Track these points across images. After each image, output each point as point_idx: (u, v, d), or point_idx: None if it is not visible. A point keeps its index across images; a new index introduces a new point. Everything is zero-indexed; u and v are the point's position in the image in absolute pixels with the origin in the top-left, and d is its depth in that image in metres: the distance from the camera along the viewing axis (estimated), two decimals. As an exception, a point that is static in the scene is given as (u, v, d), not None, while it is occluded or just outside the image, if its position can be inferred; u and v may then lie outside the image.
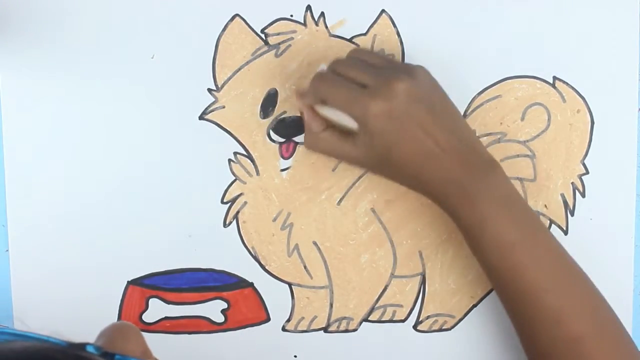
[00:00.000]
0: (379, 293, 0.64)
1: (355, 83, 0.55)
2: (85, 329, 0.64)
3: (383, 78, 0.54)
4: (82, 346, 0.36)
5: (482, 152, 0.57)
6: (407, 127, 0.54)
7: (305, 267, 0.64)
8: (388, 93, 0.54)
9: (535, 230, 0.56)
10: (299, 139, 0.62)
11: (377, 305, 0.64)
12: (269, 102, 0.62)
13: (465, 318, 0.64)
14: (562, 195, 0.64)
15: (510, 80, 0.63)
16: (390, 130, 0.54)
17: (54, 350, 0.35)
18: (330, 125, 0.58)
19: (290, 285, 0.64)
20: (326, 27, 0.62)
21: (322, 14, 0.62)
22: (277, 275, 0.64)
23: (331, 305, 0.64)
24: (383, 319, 0.64)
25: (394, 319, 0.64)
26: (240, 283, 0.63)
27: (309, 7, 0.61)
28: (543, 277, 0.55)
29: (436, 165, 0.55)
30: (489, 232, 0.55)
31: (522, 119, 0.63)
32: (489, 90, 0.63)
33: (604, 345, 0.55)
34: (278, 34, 0.62)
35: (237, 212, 0.63)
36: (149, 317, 0.64)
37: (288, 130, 0.62)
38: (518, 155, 0.63)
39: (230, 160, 0.63)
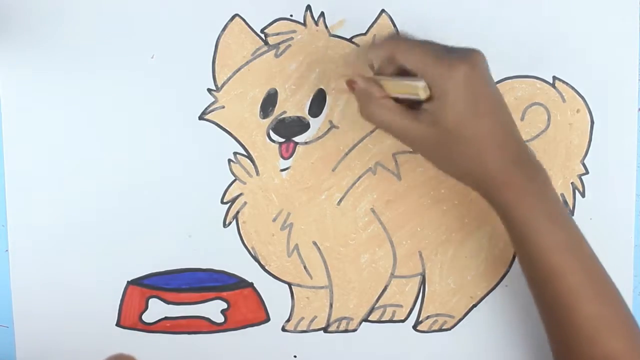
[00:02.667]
0: (379, 293, 0.64)
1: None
2: (85, 329, 0.64)
3: (461, 49, 0.52)
4: None
5: (531, 152, 0.56)
6: (483, 103, 0.51)
7: (305, 267, 0.64)
8: (473, 60, 0.51)
9: (580, 238, 0.55)
10: (299, 139, 0.62)
11: (377, 305, 0.64)
12: (269, 102, 0.62)
13: (465, 318, 0.64)
14: (562, 195, 0.64)
15: (510, 80, 0.63)
16: (466, 102, 0.50)
17: None
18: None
19: (290, 285, 0.64)
20: (326, 27, 0.62)
21: (322, 14, 0.62)
22: (277, 275, 0.64)
23: (331, 305, 0.64)
24: (383, 319, 0.64)
25: (393, 319, 0.64)
26: (240, 283, 0.63)
27: (308, 7, 0.61)
28: (585, 283, 0.53)
29: (499, 154, 0.52)
30: (539, 234, 0.53)
31: (522, 118, 0.63)
32: (489, 90, 0.63)
33: None
34: (278, 34, 0.62)
35: (237, 212, 0.63)
36: (149, 317, 0.64)
37: (288, 130, 0.62)
38: (518, 155, 0.63)
39: (230, 160, 0.63)
